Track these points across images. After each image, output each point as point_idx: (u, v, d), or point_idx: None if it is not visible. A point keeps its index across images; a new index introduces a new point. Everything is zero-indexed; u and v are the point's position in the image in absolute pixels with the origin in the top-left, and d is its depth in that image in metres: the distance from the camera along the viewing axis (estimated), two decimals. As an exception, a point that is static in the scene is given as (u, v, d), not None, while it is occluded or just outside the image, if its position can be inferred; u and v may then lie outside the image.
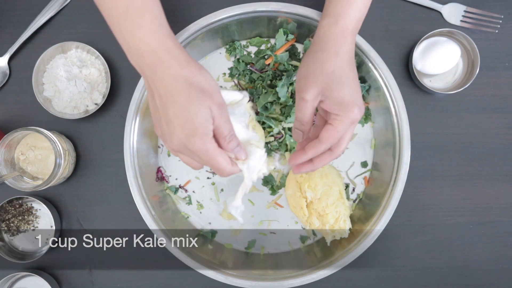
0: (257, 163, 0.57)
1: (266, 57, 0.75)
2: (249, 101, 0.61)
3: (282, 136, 0.73)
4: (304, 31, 0.74)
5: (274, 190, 0.76)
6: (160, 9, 0.52)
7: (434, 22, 0.76)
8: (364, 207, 0.74)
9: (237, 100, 0.60)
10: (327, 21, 0.58)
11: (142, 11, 0.50)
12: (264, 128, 0.73)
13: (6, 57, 0.75)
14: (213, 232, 0.76)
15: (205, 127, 0.50)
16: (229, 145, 0.53)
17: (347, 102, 0.54)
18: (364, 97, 0.74)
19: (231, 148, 0.54)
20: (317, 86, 0.55)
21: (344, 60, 0.56)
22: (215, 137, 0.52)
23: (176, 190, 0.76)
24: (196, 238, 0.74)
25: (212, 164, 0.52)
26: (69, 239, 0.75)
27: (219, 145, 0.53)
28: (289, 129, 0.73)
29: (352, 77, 0.56)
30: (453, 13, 0.76)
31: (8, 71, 0.75)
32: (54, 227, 0.73)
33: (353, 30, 0.58)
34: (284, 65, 0.73)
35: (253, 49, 0.76)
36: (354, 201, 0.76)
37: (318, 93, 0.55)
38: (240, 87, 0.76)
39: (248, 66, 0.75)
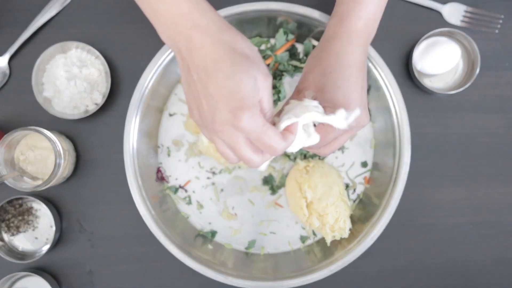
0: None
1: (266, 57, 0.75)
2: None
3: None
4: (304, 31, 0.74)
5: (274, 190, 0.76)
6: None
7: (434, 22, 0.76)
8: (364, 207, 0.74)
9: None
10: (333, 21, 0.56)
11: None
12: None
13: (6, 57, 0.75)
14: (213, 232, 0.76)
15: (253, 97, 0.43)
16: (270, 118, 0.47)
17: (340, 104, 0.52)
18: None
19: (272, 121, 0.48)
20: (314, 84, 0.54)
21: (345, 61, 0.54)
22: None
23: (176, 190, 0.76)
24: (196, 238, 0.75)
25: (263, 141, 0.44)
26: (69, 239, 0.76)
27: None
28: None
29: (353, 81, 0.53)
30: (453, 13, 0.76)
31: (8, 71, 0.75)
32: (54, 227, 0.73)
33: (359, 31, 0.55)
34: (284, 65, 0.73)
35: (253, 49, 0.76)
36: (354, 201, 0.76)
37: (315, 91, 0.54)
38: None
39: (248, 66, 0.75)
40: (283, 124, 0.47)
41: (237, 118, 0.42)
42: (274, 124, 0.48)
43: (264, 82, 0.44)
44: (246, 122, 0.43)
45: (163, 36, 0.46)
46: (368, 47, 0.58)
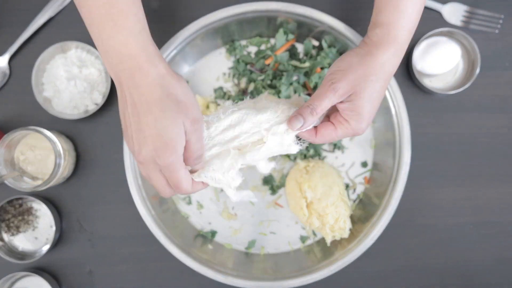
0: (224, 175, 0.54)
1: (266, 57, 0.75)
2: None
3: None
4: (304, 31, 0.74)
5: (274, 190, 0.76)
6: (143, 13, 0.50)
7: (434, 22, 0.76)
8: (364, 207, 0.74)
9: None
10: (380, 30, 0.55)
11: (125, 13, 0.48)
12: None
13: (6, 57, 0.75)
14: (213, 232, 0.76)
15: (176, 142, 0.48)
16: (194, 162, 0.52)
17: (362, 115, 0.53)
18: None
19: (194, 164, 0.52)
20: (352, 85, 0.53)
21: (388, 74, 0.55)
22: (186, 149, 0.50)
23: (176, 190, 0.76)
24: (196, 238, 0.75)
25: (174, 181, 0.50)
26: (69, 239, 0.76)
27: (184, 159, 0.50)
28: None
29: (381, 95, 0.55)
30: (453, 13, 0.76)
31: (8, 71, 0.75)
32: (54, 227, 0.73)
33: (405, 43, 0.55)
34: (284, 65, 0.73)
35: (253, 49, 0.77)
36: (354, 201, 0.76)
37: (348, 92, 0.53)
38: (239, 88, 0.76)
39: (248, 66, 0.75)
40: (199, 177, 0.53)
41: (159, 156, 0.48)
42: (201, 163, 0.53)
43: (191, 126, 0.49)
44: (165, 162, 0.48)
45: (107, 65, 0.50)
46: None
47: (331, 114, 0.56)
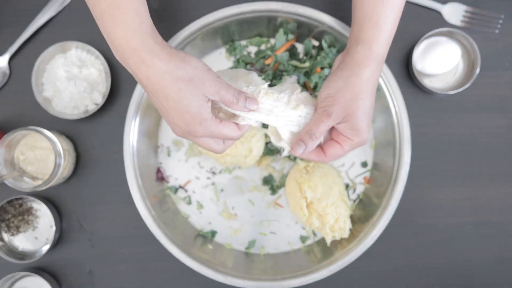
0: (274, 104, 0.56)
1: (266, 57, 0.75)
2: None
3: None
4: (304, 31, 0.74)
5: (274, 190, 0.76)
6: (144, 6, 0.51)
7: (434, 22, 0.76)
8: (364, 207, 0.74)
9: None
10: (362, 47, 0.57)
11: (124, 8, 0.49)
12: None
13: (6, 57, 0.75)
14: (213, 232, 0.76)
15: (201, 113, 0.50)
16: (239, 106, 0.53)
17: (362, 130, 0.57)
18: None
19: (242, 106, 0.54)
20: (344, 108, 0.56)
21: (373, 89, 0.58)
22: (225, 105, 0.53)
23: (176, 190, 0.76)
24: (196, 238, 0.75)
25: (222, 137, 0.54)
26: (69, 239, 0.76)
27: (230, 106, 0.53)
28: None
29: (372, 107, 0.58)
30: (453, 13, 0.76)
31: (8, 71, 0.75)
32: (54, 227, 0.73)
33: (384, 55, 0.59)
34: (284, 65, 0.73)
35: (253, 49, 0.76)
36: (354, 201, 0.76)
37: (342, 115, 0.57)
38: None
39: (248, 66, 0.75)
40: (244, 120, 0.56)
41: (192, 131, 0.52)
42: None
43: (214, 87, 0.51)
44: (201, 132, 0.52)
45: (117, 58, 0.51)
46: None
47: (332, 133, 0.60)
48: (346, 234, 0.71)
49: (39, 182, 0.71)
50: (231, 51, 0.76)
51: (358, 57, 0.57)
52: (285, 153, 0.61)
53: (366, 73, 0.57)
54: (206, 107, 0.51)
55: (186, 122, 0.51)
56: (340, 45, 0.73)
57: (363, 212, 0.74)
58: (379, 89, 0.71)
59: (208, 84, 0.51)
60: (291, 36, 0.74)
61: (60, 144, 0.69)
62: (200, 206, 0.76)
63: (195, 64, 0.51)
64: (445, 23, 0.76)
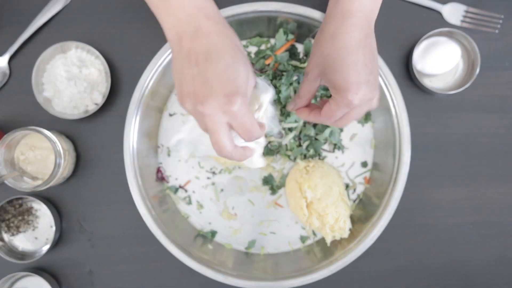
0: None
1: (266, 57, 0.75)
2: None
3: (282, 136, 0.73)
4: (304, 31, 0.74)
5: (274, 190, 0.76)
6: None
7: (434, 22, 0.76)
8: (364, 207, 0.74)
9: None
10: (330, 2, 0.57)
11: None
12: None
13: (6, 57, 0.75)
14: (213, 232, 0.76)
15: (245, 86, 0.49)
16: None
17: (341, 87, 0.53)
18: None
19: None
20: (317, 67, 0.57)
21: (340, 43, 0.54)
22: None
23: (176, 190, 0.76)
24: (196, 238, 0.75)
25: (246, 126, 0.49)
26: (69, 239, 0.76)
27: None
28: (290, 129, 0.73)
29: (351, 60, 0.53)
30: (453, 13, 0.76)
31: (8, 71, 0.75)
32: (54, 227, 0.73)
33: (355, 11, 0.55)
34: (284, 65, 0.73)
35: (253, 49, 0.76)
36: (354, 201, 0.76)
37: (319, 74, 0.57)
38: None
39: (248, 66, 0.75)
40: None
41: (231, 102, 0.47)
42: None
43: (251, 78, 0.51)
44: (238, 107, 0.47)
45: (167, 26, 0.50)
46: (370, 26, 0.56)
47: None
48: (346, 234, 0.71)
49: (39, 182, 0.71)
50: (231, 51, 0.76)
51: (332, 11, 0.56)
52: (260, 164, 0.62)
53: (330, 29, 0.54)
54: (248, 84, 0.50)
55: (228, 91, 0.47)
56: (340, 45, 0.73)
57: (363, 212, 0.74)
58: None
59: (250, 66, 0.51)
60: (291, 36, 0.74)
61: (60, 144, 0.69)
62: (200, 206, 0.76)
63: (241, 43, 0.52)
64: (445, 23, 0.76)
